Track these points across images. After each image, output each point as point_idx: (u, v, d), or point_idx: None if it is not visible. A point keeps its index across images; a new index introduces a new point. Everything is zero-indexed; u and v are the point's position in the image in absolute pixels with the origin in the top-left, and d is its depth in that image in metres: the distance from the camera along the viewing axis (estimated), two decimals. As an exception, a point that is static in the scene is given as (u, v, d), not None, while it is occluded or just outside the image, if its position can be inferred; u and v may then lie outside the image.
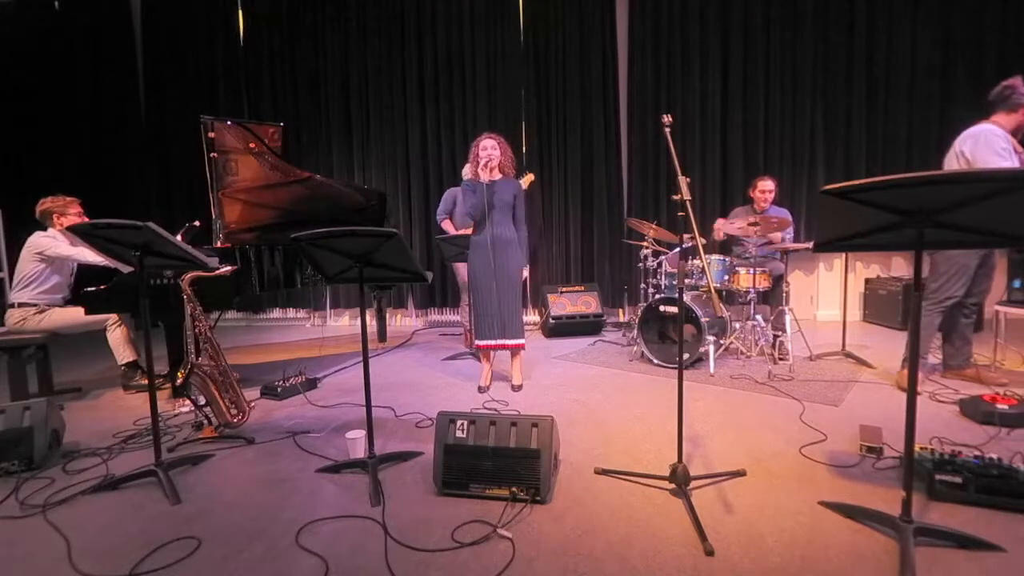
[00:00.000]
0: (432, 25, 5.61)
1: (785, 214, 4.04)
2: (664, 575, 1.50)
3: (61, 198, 3.44)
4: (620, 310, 5.55)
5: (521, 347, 3.20)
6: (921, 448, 1.95)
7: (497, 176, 3.08)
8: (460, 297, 4.54)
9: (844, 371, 3.46)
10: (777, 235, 3.83)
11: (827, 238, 1.57)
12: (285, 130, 3.75)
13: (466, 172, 3.11)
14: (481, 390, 3.21)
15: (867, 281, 5.15)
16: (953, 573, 1.46)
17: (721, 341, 3.74)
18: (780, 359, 3.62)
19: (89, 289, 3.01)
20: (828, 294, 5.32)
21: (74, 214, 3.42)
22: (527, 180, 3.80)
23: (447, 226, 4.35)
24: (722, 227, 3.98)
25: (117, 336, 3.39)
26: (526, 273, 3.21)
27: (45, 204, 3.42)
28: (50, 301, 3.37)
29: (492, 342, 3.14)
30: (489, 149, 3.03)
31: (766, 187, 4.18)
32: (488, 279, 3.08)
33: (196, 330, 2.62)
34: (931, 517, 1.72)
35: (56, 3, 5.75)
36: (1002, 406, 2.43)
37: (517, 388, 3.22)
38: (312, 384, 3.38)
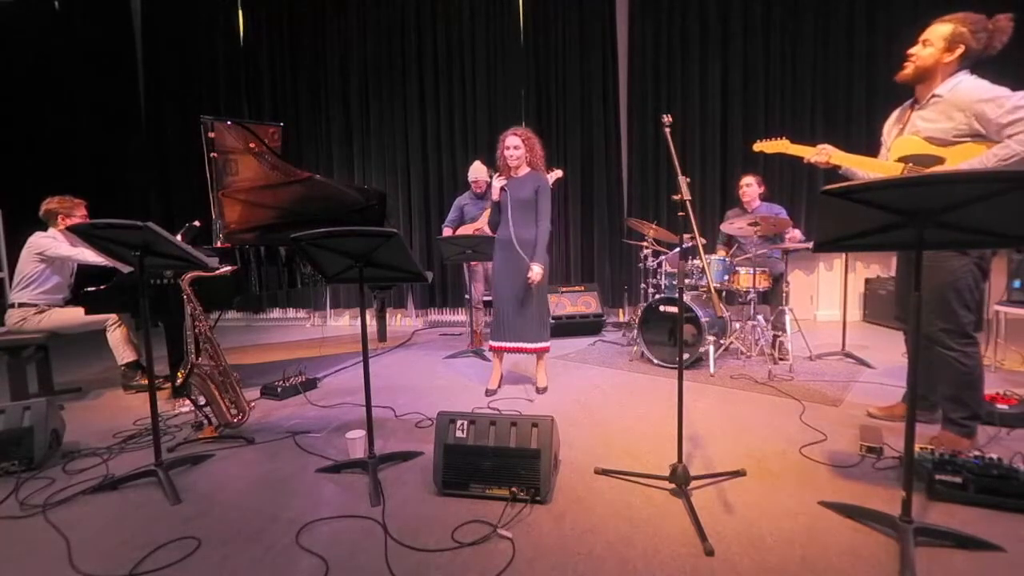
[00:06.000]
0: (432, 25, 5.62)
1: (780, 211, 4.03)
2: (664, 575, 1.50)
3: (68, 199, 3.43)
4: (620, 310, 5.55)
5: (544, 350, 3.08)
6: (921, 448, 1.94)
7: (523, 171, 2.99)
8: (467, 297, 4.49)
9: (844, 371, 3.46)
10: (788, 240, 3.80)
11: (827, 238, 1.57)
12: (285, 130, 3.75)
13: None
14: (488, 393, 3.12)
15: (867, 281, 5.15)
16: (953, 573, 1.46)
17: (721, 341, 3.74)
18: (780, 359, 3.62)
19: (89, 289, 3.01)
20: (828, 294, 5.32)
21: (79, 217, 3.42)
22: (553, 177, 3.75)
23: (448, 233, 4.40)
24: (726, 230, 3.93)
25: (117, 336, 3.39)
26: (538, 271, 2.87)
27: (51, 204, 3.40)
28: (50, 301, 3.37)
29: (506, 344, 3.04)
30: (512, 149, 2.93)
31: (743, 182, 4.13)
32: (506, 280, 3.00)
33: (196, 330, 2.62)
34: (931, 517, 1.71)
35: (56, 3, 5.75)
36: (1002, 406, 2.43)
37: (542, 391, 3.12)
38: (312, 384, 3.38)
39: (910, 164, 2.09)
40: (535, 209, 2.95)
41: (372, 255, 1.98)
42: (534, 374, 3.24)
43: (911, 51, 2.08)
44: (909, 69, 2.09)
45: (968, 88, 1.96)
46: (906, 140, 2.13)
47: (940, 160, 2.03)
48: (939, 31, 2.01)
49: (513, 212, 2.95)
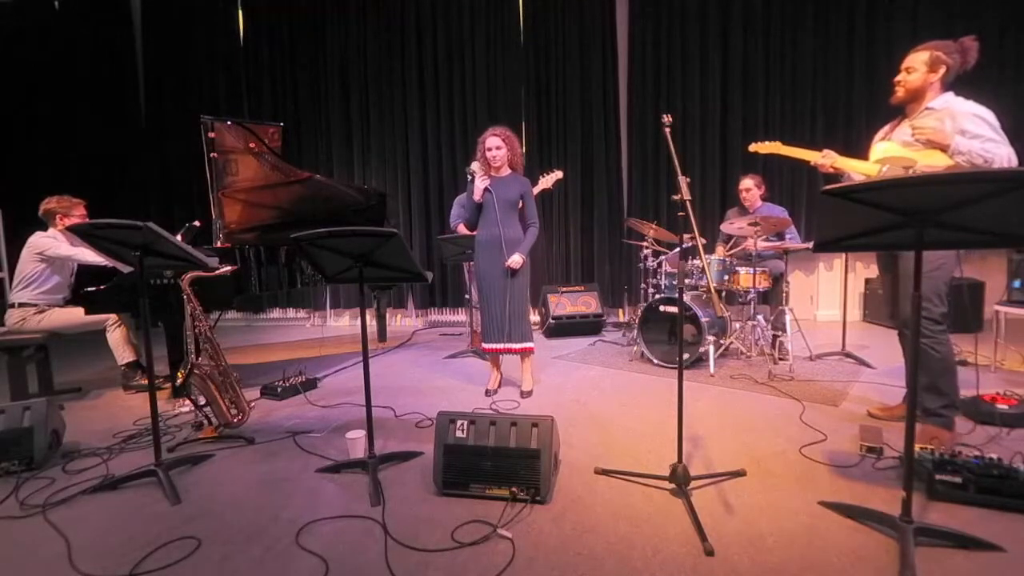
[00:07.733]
0: (432, 24, 5.61)
1: (781, 212, 4.03)
2: (664, 575, 1.50)
3: (67, 199, 3.42)
4: (620, 310, 5.55)
5: (529, 351, 3.08)
6: (921, 448, 1.94)
7: (505, 172, 3.00)
8: (467, 297, 4.46)
9: (844, 371, 3.46)
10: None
11: (827, 238, 1.57)
12: (285, 130, 3.74)
13: (475, 166, 3.02)
14: (488, 394, 3.13)
15: (867, 281, 5.14)
16: (953, 573, 1.46)
17: (721, 341, 3.74)
18: (780, 359, 3.62)
19: (89, 289, 3.01)
20: (828, 294, 5.32)
21: (78, 216, 3.41)
22: (553, 178, 3.77)
23: (462, 230, 4.33)
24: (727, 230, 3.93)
25: (117, 336, 3.39)
26: (518, 258, 2.92)
27: (50, 204, 3.40)
28: (50, 301, 3.36)
29: (499, 345, 3.04)
30: (494, 150, 2.92)
31: (743, 186, 4.13)
32: (494, 280, 2.99)
33: (196, 330, 2.62)
34: (931, 517, 1.71)
35: (56, 3, 5.75)
36: (1002, 406, 2.43)
37: (526, 394, 3.09)
38: (312, 384, 3.38)
39: (886, 168, 2.24)
40: (521, 210, 3.02)
41: (372, 255, 1.98)
42: (519, 376, 3.20)
43: (897, 79, 2.26)
44: (901, 92, 2.26)
45: (963, 102, 2.15)
46: (885, 146, 2.29)
47: (913, 161, 2.17)
48: (918, 58, 2.21)
49: (501, 212, 2.94)
